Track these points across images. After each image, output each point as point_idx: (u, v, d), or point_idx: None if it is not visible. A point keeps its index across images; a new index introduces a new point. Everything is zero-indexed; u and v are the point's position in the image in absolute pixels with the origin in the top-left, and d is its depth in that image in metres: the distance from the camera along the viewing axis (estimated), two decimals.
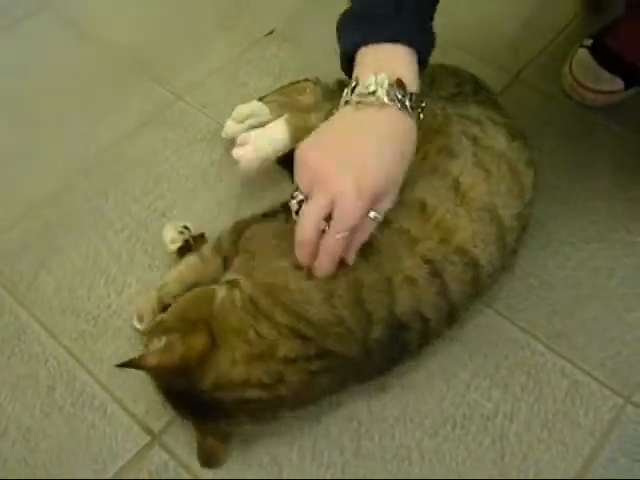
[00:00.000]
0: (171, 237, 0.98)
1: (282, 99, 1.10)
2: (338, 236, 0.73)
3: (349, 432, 0.87)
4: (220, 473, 0.85)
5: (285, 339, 0.78)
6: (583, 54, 1.15)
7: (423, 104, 0.77)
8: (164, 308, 0.88)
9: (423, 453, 0.85)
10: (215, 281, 0.86)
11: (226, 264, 0.90)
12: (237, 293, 0.81)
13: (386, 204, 0.76)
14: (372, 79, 0.74)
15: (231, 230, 0.93)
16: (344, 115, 0.76)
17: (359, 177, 0.71)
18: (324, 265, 0.76)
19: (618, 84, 1.14)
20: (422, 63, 0.78)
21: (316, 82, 1.11)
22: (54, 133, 1.20)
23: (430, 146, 0.88)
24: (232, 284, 0.82)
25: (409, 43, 0.76)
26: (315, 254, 0.76)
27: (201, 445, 0.84)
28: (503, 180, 0.87)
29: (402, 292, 0.80)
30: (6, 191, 1.12)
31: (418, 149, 0.79)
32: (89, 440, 0.88)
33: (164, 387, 0.81)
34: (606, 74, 1.13)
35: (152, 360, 0.78)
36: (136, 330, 0.93)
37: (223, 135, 1.11)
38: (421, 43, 0.78)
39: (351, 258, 0.77)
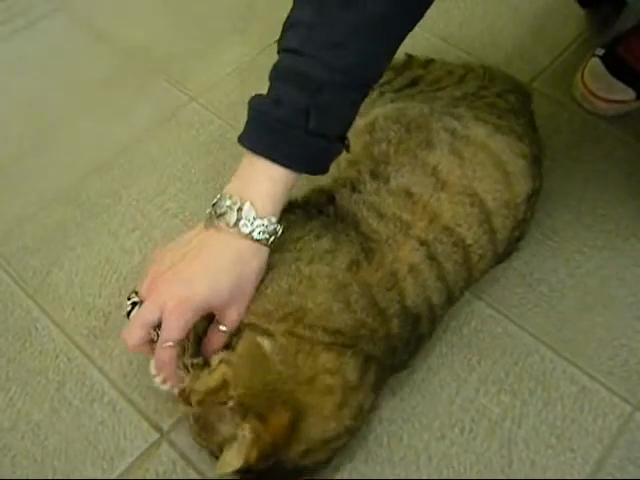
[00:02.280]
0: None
1: None
2: (165, 345, 0.76)
3: (357, 435, 0.87)
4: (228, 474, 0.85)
5: (345, 359, 0.77)
6: (595, 63, 1.16)
7: (279, 229, 0.78)
8: None
9: (431, 456, 0.85)
10: None
11: None
12: (275, 338, 0.78)
13: (231, 316, 0.79)
14: (227, 202, 0.77)
15: None
16: (193, 232, 0.81)
17: (182, 291, 0.75)
18: (167, 374, 0.80)
19: (630, 94, 1.14)
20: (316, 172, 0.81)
21: None
22: (69, 132, 1.21)
23: (412, 141, 0.91)
24: (257, 330, 0.80)
25: (291, 167, 0.77)
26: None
27: None
28: (480, 165, 0.90)
29: (408, 283, 0.82)
30: (20, 188, 1.13)
31: (402, 144, 0.89)
32: (97, 436, 0.88)
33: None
34: (618, 84, 1.14)
35: (251, 457, 0.71)
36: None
37: None
38: (309, 165, 0.79)
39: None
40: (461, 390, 0.90)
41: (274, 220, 0.78)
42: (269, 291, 0.81)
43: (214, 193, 0.80)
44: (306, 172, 0.80)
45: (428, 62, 1.11)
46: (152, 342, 0.78)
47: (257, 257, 0.78)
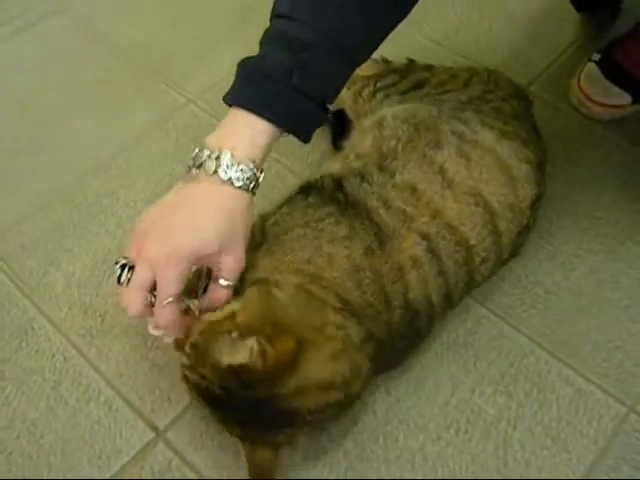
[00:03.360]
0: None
1: None
2: (163, 304, 0.75)
3: (353, 434, 0.87)
4: (224, 473, 0.85)
5: (351, 324, 0.79)
6: (591, 68, 1.17)
7: (260, 175, 0.78)
8: None
9: (426, 457, 0.85)
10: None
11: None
12: (285, 288, 0.79)
13: (228, 265, 0.78)
14: (205, 152, 0.76)
15: (257, 220, 0.91)
16: (175, 190, 0.79)
17: (172, 244, 0.74)
18: (171, 334, 0.79)
19: (626, 98, 1.15)
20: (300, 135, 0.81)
21: (378, 60, 1.13)
22: (67, 132, 1.21)
23: (420, 140, 0.92)
24: (269, 282, 0.81)
25: (272, 120, 0.77)
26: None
27: (252, 459, 0.78)
28: (486, 167, 0.91)
29: (412, 277, 0.84)
30: (18, 188, 1.14)
31: (410, 142, 0.91)
32: (93, 435, 0.88)
33: (215, 397, 0.75)
34: (614, 88, 1.14)
35: (257, 365, 0.71)
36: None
37: None
38: (290, 123, 0.79)
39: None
40: (457, 391, 0.90)
41: (252, 166, 0.76)
42: (288, 258, 0.83)
43: None
44: (287, 130, 0.79)
45: (429, 67, 1.12)
46: (152, 306, 0.77)
47: (241, 203, 0.77)
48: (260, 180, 0.79)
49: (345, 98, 1.10)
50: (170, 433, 0.88)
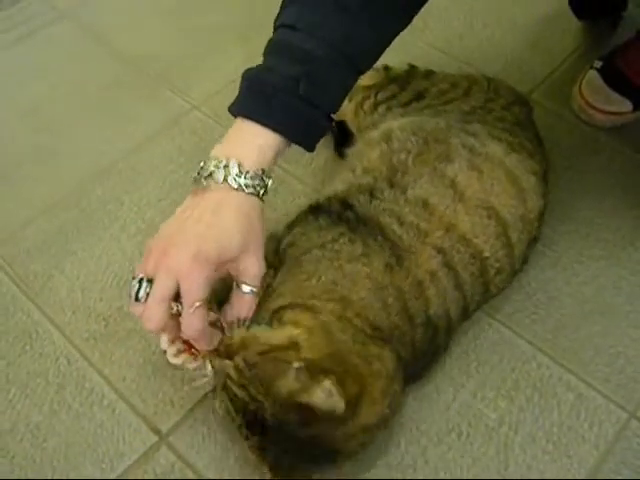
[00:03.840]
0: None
1: None
2: (191, 310, 0.74)
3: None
4: (225, 475, 0.85)
5: (386, 353, 0.79)
6: (593, 75, 1.17)
7: (268, 182, 0.79)
8: None
9: (428, 461, 0.85)
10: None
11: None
12: (328, 317, 0.79)
13: (251, 270, 0.78)
14: (213, 162, 0.77)
15: (268, 240, 0.88)
16: (186, 203, 0.79)
17: (192, 248, 0.74)
18: (201, 346, 0.78)
19: (627, 106, 1.15)
20: (305, 144, 0.81)
21: (378, 69, 1.13)
22: (72, 138, 1.22)
23: (430, 153, 0.92)
24: (303, 307, 0.80)
25: (279, 131, 0.78)
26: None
27: None
28: (497, 180, 0.91)
29: (431, 292, 0.84)
30: (23, 193, 1.14)
31: (420, 155, 0.90)
32: (97, 439, 0.88)
33: (261, 422, 0.73)
34: (615, 95, 1.15)
35: (334, 407, 0.70)
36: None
37: None
38: (297, 133, 0.79)
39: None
40: (458, 395, 0.90)
41: (261, 173, 0.77)
42: (313, 281, 0.82)
43: None
44: (294, 141, 0.80)
45: (429, 73, 1.12)
46: (178, 315, 0.76)
47: (255, 207, 0.78)
48: (269, 186, 0.79)
49: (346, 110, 1.10)
50: (173, 437, 0.88)
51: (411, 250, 0.85)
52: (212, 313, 0.79)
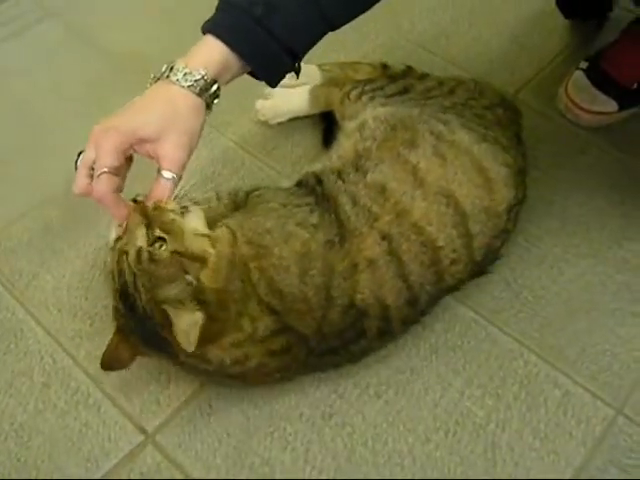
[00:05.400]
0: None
1: (336, 72, 1.18)
2: (99, 172, 0.80)
3: (342, 437, 0.87)
4: (212, 474, 0.85)
5: (266, 319, 0.81)
6: (579, 76, 1.18)
7: (213, 86, 0.83)
8: None
9: (415, 459, 0.85)
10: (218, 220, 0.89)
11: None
12: (226, 249, 0.82)
13: (168, 152, 0.81)
14: (164, 66, 0.84)
15: (249, 187, 0.98)
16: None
17: (110, 121, 0.82)
18: (107, 204, 0.82)
19: (612, 106, 1.16)
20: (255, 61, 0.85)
21: (377, 67, 1.17)
22: (58, 136, 1.21)
23: (396, 140, 0.94)
24: (230, 230, 0.85)
25: (229, 43, 0.82)
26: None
27: (112, 349, 0.83)
28: (461, 168, 0.92)
29: (363, 278, 0.85)
30: (9, 190, 1.14)
31: (387, 141, 0.93)
32: (82, 438, 0.88)
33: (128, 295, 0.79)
34: (601, 96, 1.16)
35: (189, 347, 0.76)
36: None
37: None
38: (246, 51, 0.83)
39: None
40: (446, 393, 0.90)
41: (203, 72, 0.82)
42: (253, 220, 0.87)
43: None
44: (243, 58, 0.83)
45: (424, 75, 1.13)
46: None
47: (187, 100, 0.82)
48: (213, 91, 0.83)
49: (334, 99, 1.11)
50: (159, 435, 0.88)
51: (355, 233, 0.86)
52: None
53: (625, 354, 0.93)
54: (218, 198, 0.96)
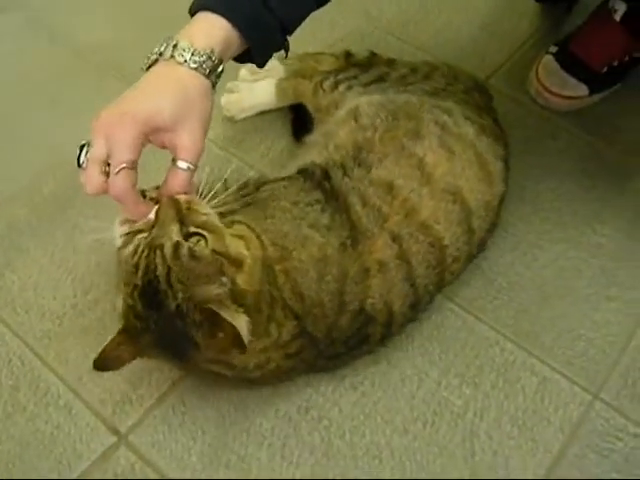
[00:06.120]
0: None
1: (298, 64, 1.15)
2: (117, 169, 0.73)
3: (319, 431, 0.86)
4: (187, 473, 0.83)
5: (289, 323, 0.79)
6: (549, 60, 1.17)
7: (219, 66, 0.79)
8: None
9: (393, 451, 0.84)
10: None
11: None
12: (259, 252, 0.79)
13: (184, 142, 0.76)
14: (164, 43, 0.78)
15: (257, 179, 0.96)
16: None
17: (121, 108, 0.75)
18: (127, 203, 0.76)
19: (583, 90, 1.16)
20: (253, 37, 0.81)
21: (339, 56, 1.14)
22: (22, 132, 1.18)
23: (399, 130, 0.91)
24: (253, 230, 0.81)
25: (229, 18, 0.78)
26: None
27: (112, 348, 0.76)
28: (467, 162, 0.90)
29: (375, 283, 0.83)
30: None
31: (389, 131, 0.89)
32: (53, 440, 0.86)
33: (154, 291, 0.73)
34: (571, 80, 1.15)
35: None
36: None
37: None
38: (245, 25, 0.80)
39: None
40: (423, 384, 0.89)
41: (209, 52, 0.77)
42: (269, 221, 0.84)
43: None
44: (242, 33, 0.79)
45: (390, 61, 1.11)
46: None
47: (196, 83, 0.77)
48: (219, 70, 0.79)
49: (305, 90, 1.09)
50: (132, 436, 0.86)
51: (367, 235, 0.84)
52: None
53: (601, 339, 0.93)
54: (225, 189, 0.88)
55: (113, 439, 0.86)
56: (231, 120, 1.17)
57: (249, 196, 0.90)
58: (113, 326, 0.91)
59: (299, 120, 1.12)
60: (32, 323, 0.95)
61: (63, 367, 0.91)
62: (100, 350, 0.76)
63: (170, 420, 0.87)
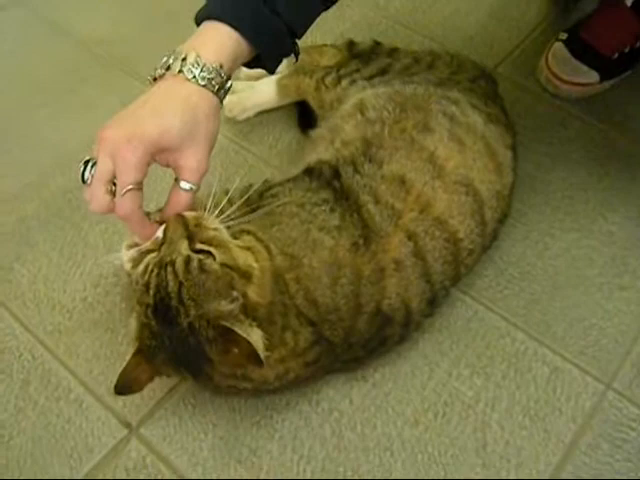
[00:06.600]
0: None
1: (302, 57, 1.11)
2: (123, 191, 0.72)
3: (330, 423, 0.86)
4: (199, 466, 0.83)
5: (304, 330, 0.78)
6: (559, 47, 1.16)
7: (227, 82, 0.78)
8: None
9: (405, 442, 0.84)
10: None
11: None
12: (267, 263, 0.78)
13: (189, 163, 0.75)
14: (172, 56, 0.76)
15: (261, 183, 0.93)
16: (145, 94, 0.78)
17: (129, 128, 0.73)
18: (133, 224, 0.76)
19: (593, 77, 1.15)
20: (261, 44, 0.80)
21: (341, 47, 1.13)
22: (31, 127, 1.18)
23: (408, 122, 0.90)
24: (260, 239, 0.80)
25: (239, 29, 0.77)
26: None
27: (129, 371, 0.76)
28: (478, 153, 0.89)
29: (391, 282, 0.82)
30: None
31: (397, 124, 0.87)
32: (65, 434, 0.86)
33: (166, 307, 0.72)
34: (582, 67, 1.14)
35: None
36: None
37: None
38: (255, 35, 0.78)
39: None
40: (433, 375, 0.89)
41: (218, 67, 0.76)
42: (276, 227, 0.82)
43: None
44: (252, 43, 0.78)
45: (393, 50, 1.10)
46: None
47: (205, 101, 0.76)
48: (228, 86, 0.78)
49: (307, 88, 1.08)
50: (143, 429, 0.86)
51: (381, 234, 0.83)
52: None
53: (613, 328, 0.92)
54: (229, 200, 0.86)
55: (124, 432, 0.86)
56: (233, 120, 1.16)
57: (255, 204, 0.88)
58: (123, 319, 0.93)
59: (304, 112, 1.12)
60: (42, 317, 0.95)
61: (73, 361, 0.91)
62: (119, 374, 0.76)
63: (181, 413, 0.87)
